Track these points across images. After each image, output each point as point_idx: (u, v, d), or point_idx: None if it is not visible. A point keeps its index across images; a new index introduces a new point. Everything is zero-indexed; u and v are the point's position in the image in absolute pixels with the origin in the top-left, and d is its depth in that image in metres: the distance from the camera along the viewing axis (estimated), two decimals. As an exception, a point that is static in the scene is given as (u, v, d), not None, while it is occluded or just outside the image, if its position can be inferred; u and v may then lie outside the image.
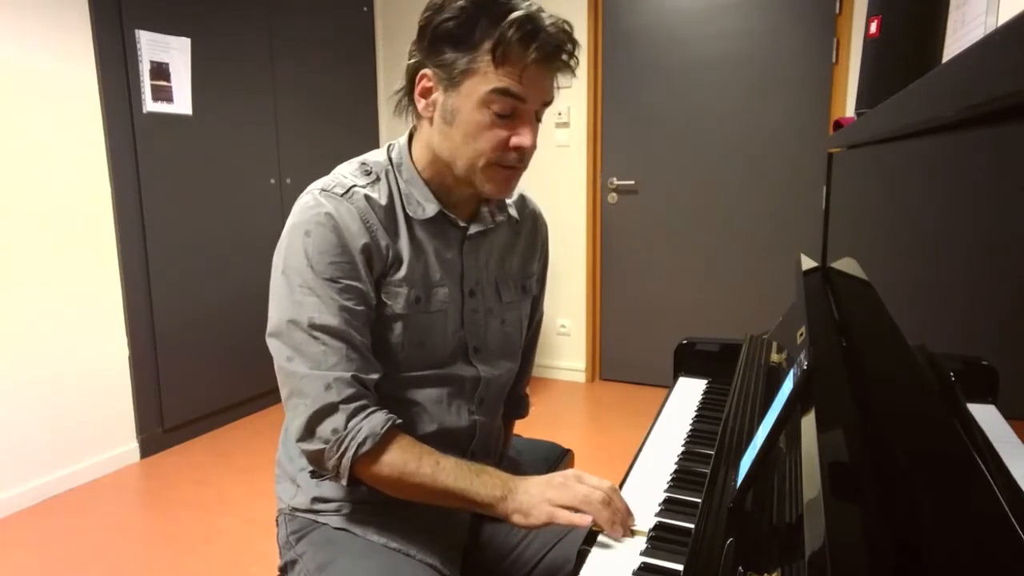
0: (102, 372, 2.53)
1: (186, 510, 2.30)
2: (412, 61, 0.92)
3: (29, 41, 2.24)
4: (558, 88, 0.93)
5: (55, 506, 2.33)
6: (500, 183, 0.93)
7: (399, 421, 0.90)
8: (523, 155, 0.91)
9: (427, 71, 0.90)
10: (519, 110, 0.88)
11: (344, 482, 0.89)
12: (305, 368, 0.88)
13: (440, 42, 0.87)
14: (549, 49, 0.86)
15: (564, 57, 0.89)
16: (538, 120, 0.92)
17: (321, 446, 0.88)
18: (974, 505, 0.41)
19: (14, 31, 2.20)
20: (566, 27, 0.89)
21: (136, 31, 2.51)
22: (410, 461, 0.88)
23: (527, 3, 0.86)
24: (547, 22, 0.86)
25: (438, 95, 0.90)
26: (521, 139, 0.89)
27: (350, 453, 0.87)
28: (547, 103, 0.91)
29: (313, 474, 0.99)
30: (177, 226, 2.73)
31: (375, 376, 0.91)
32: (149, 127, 2.59)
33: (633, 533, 0.84)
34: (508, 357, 1.07)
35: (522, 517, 0.86)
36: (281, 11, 3.10)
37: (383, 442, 0.88)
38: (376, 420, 0.88)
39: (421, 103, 0.92)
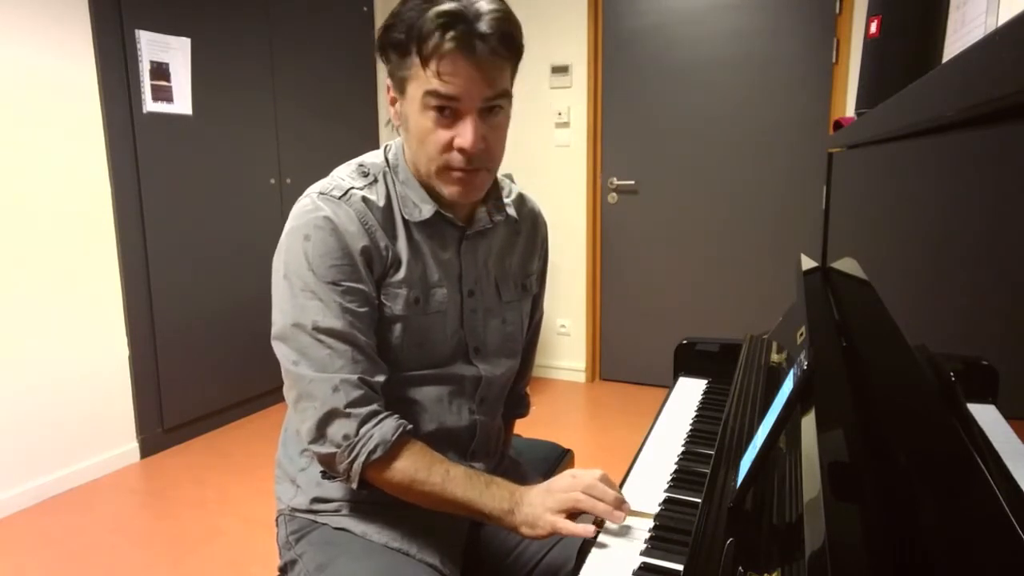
0: (102, 372, 2.53)
1: (186, 510, 2.30)
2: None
3: (29, 41, 2.24)
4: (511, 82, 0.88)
5: (55, 506, 2.33)
6: (459, 185, 0.90)
7: (410, 427, 0.90)
8: (469, 157, 0.87)
9: (389, 81, 0.91)
10: (456, 109, 0.85)
11: (355, 486, 0.89)
12: (312, 371, 0.88)
13: (387, 51, 0.87)
14: (469, 38, 0.80)
15: (493, 43, 0.81)
16: (493, 115, 0.87)
17: (332, 450, 0.88)
18: (974, 505, 0.41)
19: (14, 31, 2.20)
20: (498, 14, 0.82)
21: (136, 31, 2.51)
22: (420, 469, 0.88)
23: None
24: (473, 11, 0.80)
25: (399, 103, 0.91)
26: (461, 140, 0.86)
27: (361, 459, 0.87)
28: (489, 97, 0.85)
29: (324, 475, 0.99)
30: (177, 226, 2.73)
31: (381, 378, 0.91)
32: (149, 127, 2.59)
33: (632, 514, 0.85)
34: (509, 356, 1.08)
35: (529, 529, 0.87)
36: (281, 11, 3.10)
37: (394, 449, 0.88)
38: (387, 427, 0.88)
39: (391, 112, 0.93)
